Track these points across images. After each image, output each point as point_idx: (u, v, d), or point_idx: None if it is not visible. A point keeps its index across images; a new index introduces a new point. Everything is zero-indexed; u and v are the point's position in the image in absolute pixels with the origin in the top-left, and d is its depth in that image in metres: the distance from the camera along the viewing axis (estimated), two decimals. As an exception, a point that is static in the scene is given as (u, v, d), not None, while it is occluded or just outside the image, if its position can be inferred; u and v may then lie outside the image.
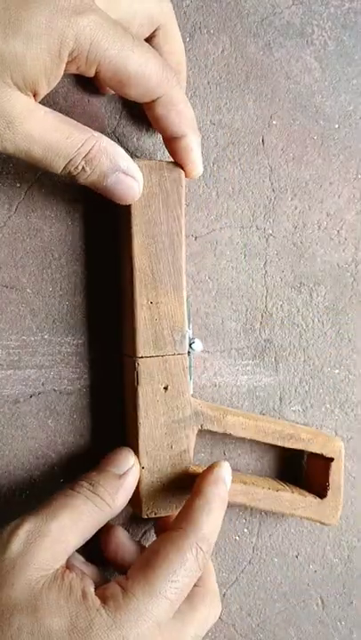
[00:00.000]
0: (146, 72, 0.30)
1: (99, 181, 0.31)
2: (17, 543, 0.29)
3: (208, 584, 0.34)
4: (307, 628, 0.43)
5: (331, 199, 0.41)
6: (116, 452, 0.35)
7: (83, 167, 0.30)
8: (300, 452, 0.41)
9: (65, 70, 0.29)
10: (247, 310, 0.40)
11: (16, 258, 0.36)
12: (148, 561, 0.29)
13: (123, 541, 0.36)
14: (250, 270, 0.40)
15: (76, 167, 0.30)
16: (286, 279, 0.41)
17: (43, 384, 0.36)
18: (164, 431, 0.35)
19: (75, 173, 0.30)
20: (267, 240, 0.40)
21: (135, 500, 0.35)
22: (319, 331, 0.42)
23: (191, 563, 0.30)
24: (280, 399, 0.41)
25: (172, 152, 0.34)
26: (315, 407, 0.42)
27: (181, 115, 0.32)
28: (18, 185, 0.35)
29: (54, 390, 0.37)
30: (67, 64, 0.28)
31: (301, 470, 0.41)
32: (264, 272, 0.40)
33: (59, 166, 0.29)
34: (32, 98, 0.29)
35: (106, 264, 0.37)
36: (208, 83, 0.39)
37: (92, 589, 0.29)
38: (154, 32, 0.33)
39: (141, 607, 0.28)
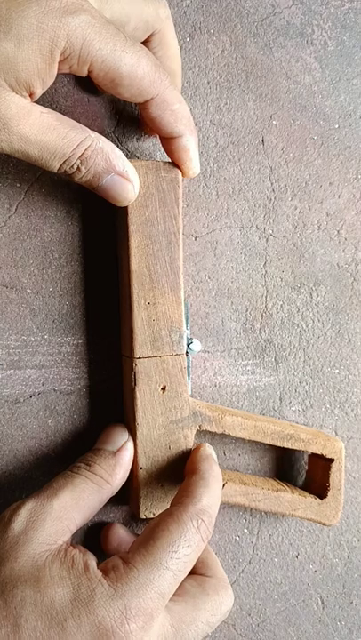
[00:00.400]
0: (138, 72, 0.30)
1: (94, 182, 0.31)
2: (19, 521, 0.29)
3: (218, 573, 0.34)
4: (307, 627, 0.43)
5: (331, 199, 0.41)
6: (109, 430, 0.35)
7: (78, 167, 0.30)
8: (300, 453, 0.41)
9: (58, 70, 0.29)
10: (247, 310, 0.40)
11: (16, 258, 0.36)
12: (148, 534, 0.30)
13: (123, 537, 0.36)
14: (250, 270, 0.40)
15: (72, 167, 0.30)
16: (286, 279, 0.41)
17: (43, 384, 0.36)
18: (163, 432, 0.34)
19: (70, 172, 0.30)
20: (267, 240, 0.40)
21: (133, 500, 0.35)
22: (319, 331, 0.42)
23: (192, 534, 0.29)
24: (280, 399, 0.41)
25: (169, 152, 0.34)
26: (315, 407, 0.42)
27: (176, 114, 0.32)
28: (18, 185, 0.35)
29: (54, 390, 0.37)
30: (59, 63, 0.28)
31: (301, 471, 0.41)
32: (264, 272, 0.40)
33: (54, 166, 0.30)
34: (28, 98, 0.29)
35: (105, 264, 0.37)
36: (208, 83, 0.39)
37: (94, 562, 0.29)
38: (149, 37, 0.33)
39: (142, 577, 0.28)
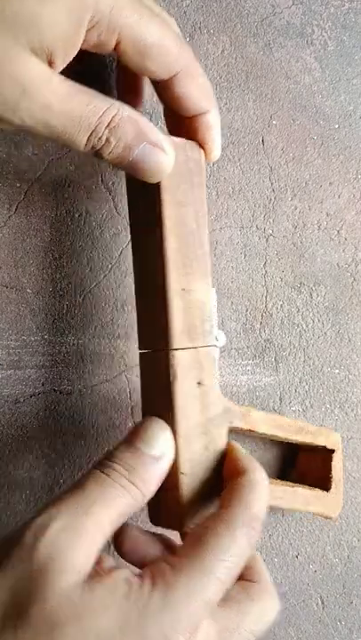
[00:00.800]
0: (165, 43, 0.28)
1: (125, 155, 0.28)
2: (45, 546, 0.24)
3: (264, 579, 0.31)
4: (307, 627, 0.43)
5: (331, 199, 0.41)
6: (150, 426, 0.30)
7: (107, 138, 0.27)
8: (289, 451, 0.41)
9: (85, 40, 0.27)
10: (247, 310, 0.40)
11: (16, 258, 0.36)
12: (197, 538, 0.27)
13: (139, 538, 0.33)
14: (250, 270, 0.40)
15: (100, 138, 0.27)
16: (286, 279, 0.41)
17: (43, 384, 0.36)
18: (201, 431, 0.31)
19: (99, 147, 0.27)
20: (267, 240, 0.40)
21: (168, 510, 0.31)
22: (319, 331, 0.42)
23: (242, 542, 0.27)
24: (280, 399, 0.41)
25: (193, 131, 0.31)
26: (315, 407, 0.42)
27: (202, 88, 0.30)
28: (18, 185, 0.35)
29: (54, 390, 0.37)
30: (87, 32, 0.26)
31: (289, 469, 0.41)
32: (264, 272, 0.40)
33: (81, 140, 0.27)
34: (48, 67, 0.26)
35: (105, 264, 0.37)
36: (208, 83, 0.39)
37: (129, 573, 0.26)
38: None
39: (191, 585, 0.25)
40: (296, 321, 0.41)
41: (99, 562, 0.26)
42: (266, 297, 0.41)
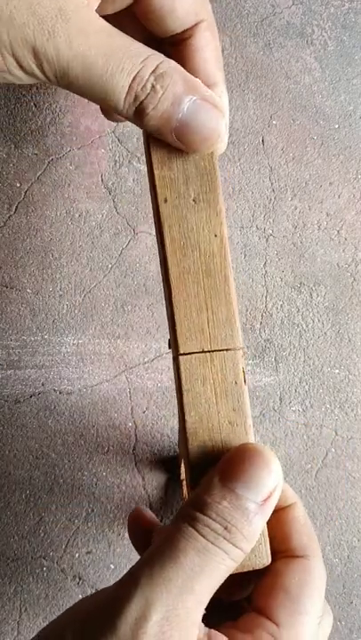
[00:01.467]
0: None
1: (172, 112, 0.23)
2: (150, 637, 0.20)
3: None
4: (307, 627, 0.43)
5: (331, 199, 0.41)
6: (249, 461, 0.24)
7: (153, 86, 0.23)
8: None
9: None
10: (247, 310, 0.40)
11: (16, 258, 0.36)
12: (292, 602, 0.24)
13: (151, 520, 0.31)
14: (250, 270, 0.40)
15: (144, 86, 0.23)
16: (286, 279, 0.41)
17: (43, 384, 0.36)
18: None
19: (143, 96, 0.23)
20: (267, 240, 0.40)
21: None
22: (319, 331, 0.42)
23: (323, 591, 0.25)
24: (280, 399, 0.41)
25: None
26: (315, 407, 0.42)
27: (219, 56, 0.27)
28: (18, 185, 0.35)
29: (54, 390, 0.37)
30: None
31: None
32: (264, 272, 0.40)
33: (122, 85, 0.23)
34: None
35: (105, 264, 0.37)
36: (208, 83, 0.39)
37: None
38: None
39: None
40: (296, 321, 0.41)
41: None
42: (266, 297, 0.41)
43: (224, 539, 0.22)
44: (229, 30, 0.39)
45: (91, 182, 0.36)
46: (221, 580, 0.22)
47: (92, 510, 0.39)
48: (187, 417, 0.25)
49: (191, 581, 0.21)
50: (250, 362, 0.40)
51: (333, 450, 0.42)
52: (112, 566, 0.40)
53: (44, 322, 0.36)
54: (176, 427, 0.40)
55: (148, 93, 0.23)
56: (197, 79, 0.24)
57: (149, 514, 0.31)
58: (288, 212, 0.41)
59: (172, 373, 0.39)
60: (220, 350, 0.26)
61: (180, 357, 0.25)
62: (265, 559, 0.25)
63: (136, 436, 0.39)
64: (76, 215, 0.36)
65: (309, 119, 0.40)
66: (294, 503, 0.28)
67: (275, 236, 0.40)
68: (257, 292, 0.40)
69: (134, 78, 0.23)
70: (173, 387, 0.39)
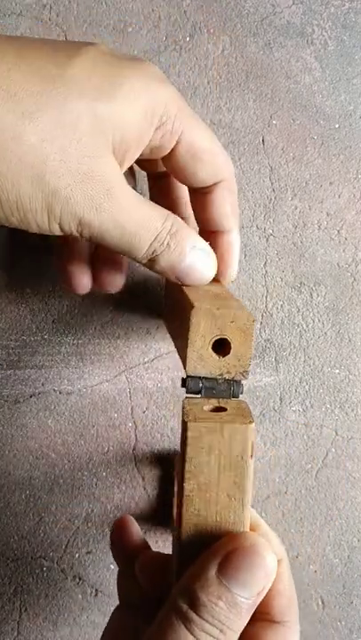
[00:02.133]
0: (216, 147, 0.29)
1: (179, 260, 0.29)
2: None
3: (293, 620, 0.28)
4: (307, 628, 0.43)
5: (331, 199, 0.41)
6: (243, 556, 0.24)
7: (168, 243, 0.28)
8: None
9: (150, 141, 0.28)
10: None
11: (16, 258, 0.36)
12: None
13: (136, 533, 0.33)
14: (250, 270, 0.40)
15: (162, 243, 0.28)
16: (286, 279, 0.41)
17: (42, 384, 0.36)
18: None
19: (160, 251, 0.28)
20: (267, 240, 0.40)
21: None
22: (319, 331, 0.42)
23: None
24: (280, 399, 0.41)
25: (213, 246, 0.31)
26: (315, 407, 0.42)
27: (235, 207, 0.31)
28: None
29: (54, 390, 0.37)
30: (155, 130, 0.28)
31: None
32: (264, 272, 0.40)
33: (144, 245, 0.28)
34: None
35: (106, 264, 0.37)
36: (208, 82, 0.39)
37: None
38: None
39: None
40: (296, 321, 0.41)
41: None
42: (266, 297, 0.41)
43: (194, 621, 0.23)
44: (229, 30, 0.39)
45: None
46: None
47: (92, 510, 0.39)
48: (185, 484, 0.25)
49: None
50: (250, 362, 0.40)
51: (334, 450, 0.42)
52: (112, 566, 0.40)
53: (43, 322, 0.36)
54: (176, 427, 0.40)
55: (164, 250, 0.28)
56: (195, 232, 0.30)
57: (136, 528, 0.32)
58: (288, 211, 0.40)
59: (172, 373, 0.39)
60: (230, 422, 0.25)
61: (190, 424, 0.24)
62: None
63: (136, 436, 0.39)
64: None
65: (310, 119, 0.40)
66: (280, 560, 0.27)
67: (275, 236, 0.40)
68: (257, 291, 0.40)
69: (156, 238, 0.28)
70: (173, 387, 0.39)
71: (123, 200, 0.26)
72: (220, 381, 0.28)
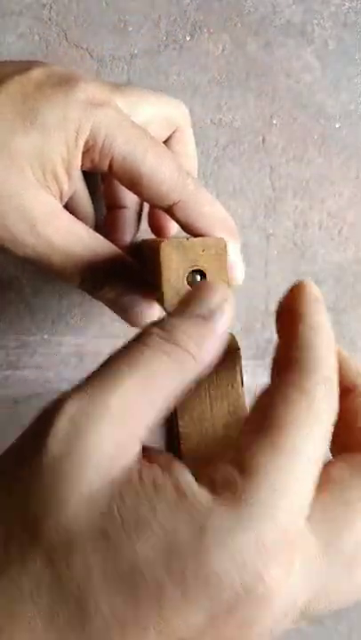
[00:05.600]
0: (158, 176, 0.28)
1: (115, 297, 0.30)
2: (58, 437, 0.18)
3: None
4: (306, 628, 0.43)
5: (332, 199, 0.41)
6: (198, 287, 0.23)
7: (101, 285, 0.29)
8: None
9: (81, 163, 0.28)
10: (247, 310, 0.40)
11: (15, 257, 0.36)
12: (265, 418, 0.19)
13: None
14: (250, 270, 0.40)
15: (95, 285, 0.29)
16: (287, 279, 0.41)
17: (42, 384, 0.36)
18: None
19: (90, 289, 0.29)
20: (267, 240, 0.40)
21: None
22: (320, 331, 0.41)
23: (323, 410, 0.19)
24: (281, 399, 0.41)
25: None
26: (315, 407, 0.42)
27: (206, 218, 0.29)
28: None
29: (54, 391, 0.37)
30: (82, 155, 0.28)
31: None
32: (265, 272, 0.40)
33: (76, 279, 0.29)
34: (57, 197, 0.28)
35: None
36: (208, 81, 0.38)
37: (190, 478, 0.18)
38: (170, 134, 0.33)
39: (275, 489, 0.17)
40: (297, 321, 0.41)
41: (144, 456, 0.19)
42: (266, 297, 0.40)
43: (159, 337, 0.20)
44: (230, 29, 0.39)
45: (90, 182, 0.36)
46: (167, 383, 0.20)
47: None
48: (180, 420, 0.24)
49: (113, 378, 0.19)
50: (250, 362, 0.40)
51: (334, 450, 0.42)
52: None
53: (43, 322, 0.36)
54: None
55: (97, 289, 0.29)
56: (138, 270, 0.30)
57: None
58: (289, 211, 0.40)
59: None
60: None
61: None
62: None
63: (136, 436, 0.39)
64: (76, 215, 0.36)
65: (310, 118, 0.40)
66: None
67: (275, 236, 0.40)
68: (257, 291, 0.40)
69: (82, 281, 0.29)
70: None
71: (49, 235, 0.27)
72: None
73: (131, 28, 0.38)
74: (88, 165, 0.28)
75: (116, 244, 0.32)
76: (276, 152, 0.40)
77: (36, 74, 0.27)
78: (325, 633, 0.43)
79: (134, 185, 0.29)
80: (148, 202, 0.30)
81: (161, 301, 0.27)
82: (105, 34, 0.37)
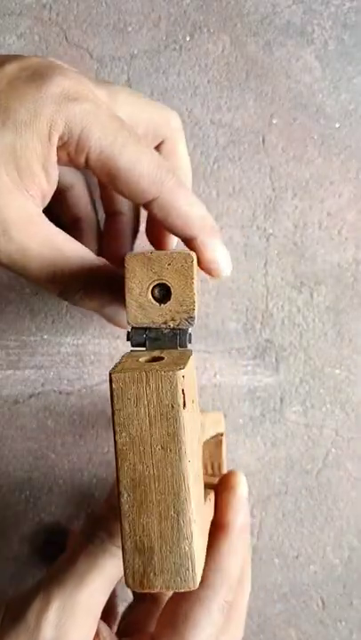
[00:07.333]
0: (137, 170, 0.27)
1: (97, 309, 0.29)
2: (49, 629, 0.26)
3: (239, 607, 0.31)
4: (307, 628, 0.43)
5: (331, 199, 0.41)
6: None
7: (81, 296, 0.28)
8: None
9: (57, 158, 0.27)
10: (248, 310, 0.40)
11: (15, 258, 0.36)
12: (174, 623, 0.28)
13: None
14: (250, 270, 0.40)
15: (73, 297, 0.28)
16: (287, 279, 0.41)
17: (42, 384, 0.36)
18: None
19: (71, 302, 0.28)
20: (267, 240, 0.40)
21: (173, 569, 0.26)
22: (320, 331, 0.41)
23: (218, 618, 0.28)
24: (281, 399, 0.41)
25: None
26: (315, 407, 0.42)
27: (185, 217, 0.29)
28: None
29: (53, 391, 0.37)
30: (58, 150, 0.27)
31: None
32: (265, 272, 0.40)
33: (54, 290, 0.28)
34: (36, 199, 0.27)
35: (105, 264, 0.37)
36: (208, 82, 0.38)
37: None
38: (158, 145, 0.32)
39: None
40: (297, 321, 0.41)
41: (97, 633, 0.27)
42: (266, 297, 0.40)
43: (108, 542, 0.27)
44: (230, 29, 0.39)
45: (90, 182, 0.36)
46: (115, 577, 0.27)
47: (92, 511, 0.39)
48: (117, 437, 0.23)
49: (82, 577, 0.26)
50: (250, 362, 0.40)
51: (334, 450, 0.42)
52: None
53: (43, 322, 0.36)
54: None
55: (78, 299, 0.28)
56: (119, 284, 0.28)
57: None
58: (289, 211, 0.40)
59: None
60: (156, 371, 0.23)
61: (113, 375, 0.23)
62: (191, 583, 0.24)
63: (136, 436, 0.39)
64: (76, 215, 0.36)
65: (310, 118, 0.40)
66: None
67: (275, 236, 0.40)
68: (257, 291, 0.40)
69: (62, 290, 0.28)
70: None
71: (23, 240, 0.26)
72: (164, 331, 0.26)
73: (131, 28, 0.38)
74: (65, 160, 0.28)
75: (115, 252, 0.32)
76: (276, 152, 0.40)
77: (10, 69, 0.27)
78: (326, 633, 0.43)
79: (112, 179, 0.28)
80: (126, 198, 0.29)
81: (126, 316, 0.26)
82: (105, 34, 0.37)
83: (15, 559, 0.39)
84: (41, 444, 0.37)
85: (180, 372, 0.23)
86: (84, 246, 0.28)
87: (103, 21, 0.37)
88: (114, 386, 0.23)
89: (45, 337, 0.36)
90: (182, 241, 0.30)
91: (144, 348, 0.26)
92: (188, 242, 0.30)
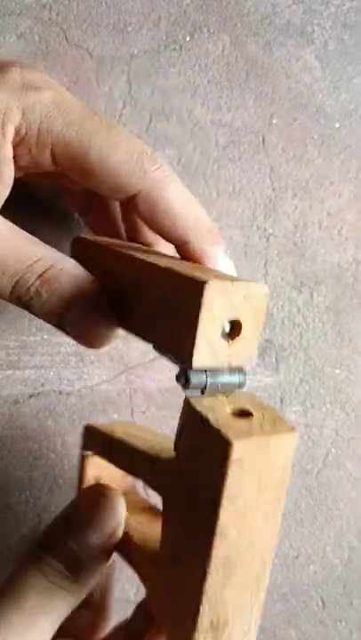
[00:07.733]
0: (112, 160, 0.24)
1: (59, 312, 0.24)
2: None
3: None
4: (307, 628, 0.43)
5: (332, 199, 0.41)
6: (90, 502, 0.26)
7: (37, 289, 0.24)
8: None
9: (16, 155, 0.24)
10: (247, 310, 0.40)
11: (15, 258, 0.36)
12: None
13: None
14: (250, 270, 0.40)
15: (28, 289, 0.24)
16: (287, 279, 0.41)
17: (42, 384, 0.36)
18: None
19: (25, 299, 0.24)
20: (267, 240, 0.40)
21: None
22: (320, 331, 0.41)
23: None
24: (281, 399, 0.41)
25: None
26: (315, 407, 0.42)
27: (174, 215, 0.24)
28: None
29: (54, 391, 0.37)
30: (16, 147, 0.24)
31: None
32: (264, 272, 0.40)
33: (5, 287, 0.24)
34: None
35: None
36: (208, 82, 0.38)
37: None
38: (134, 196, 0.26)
39: None
40: (297, 321, 0.41)
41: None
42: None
43: (61, 575, 0.24)
44: (230, 29, 0.39)
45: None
46: (65, 615, 0.24)
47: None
48: (221, 512, 0.19)
49: (31, 621, 0.23)
50: (250, 362, 0.40)
51: (334, 450, 0.42)
52: (112, 567, 0.40)
53: (43, 322, 0.36)
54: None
55: (32, 296, 0.24)
56: (94, 288, 0.24)
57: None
58: (289, 211, 0.40)
59: (172, 373, 0.39)
60: (277, 433, 0.20)
61: (236, 444, 0.19)
62: None
63: (136, 436, 0.39)
64: (76, 215, 0.36)
65: (310, 118, 0.40)
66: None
67: (275, 236, 0.40)
68: (257, 291, 0.40)
69: (17, 281, 0.24)
70: (174, 387, 0.39)
71: None
72: (224, 372, 0.22)
73: (130, 29, 0.38)
74: (27, 159, 0.24)
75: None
76: (276, 152, 0.40)
77: None
78: (326, 633, 0.43)
79: (86, 177, 0.24)
80: (106, 195, 0.25)
81: (183, 352, 0.21)
82: (105, 34, 0.37)
83: (15, 559, 0.39)
84: (41, 444, 0.37)
85: (296, 432, 0.20)
86: (52, 248, 0.25)
87: (103, 21, 0.37)
88: (235, 456, 0.18)
89: (45, 337, 0.36)
90: (175, 247, 0.26)
91: (200, 394, 0.22)
92: (180, 248, 0.26)
